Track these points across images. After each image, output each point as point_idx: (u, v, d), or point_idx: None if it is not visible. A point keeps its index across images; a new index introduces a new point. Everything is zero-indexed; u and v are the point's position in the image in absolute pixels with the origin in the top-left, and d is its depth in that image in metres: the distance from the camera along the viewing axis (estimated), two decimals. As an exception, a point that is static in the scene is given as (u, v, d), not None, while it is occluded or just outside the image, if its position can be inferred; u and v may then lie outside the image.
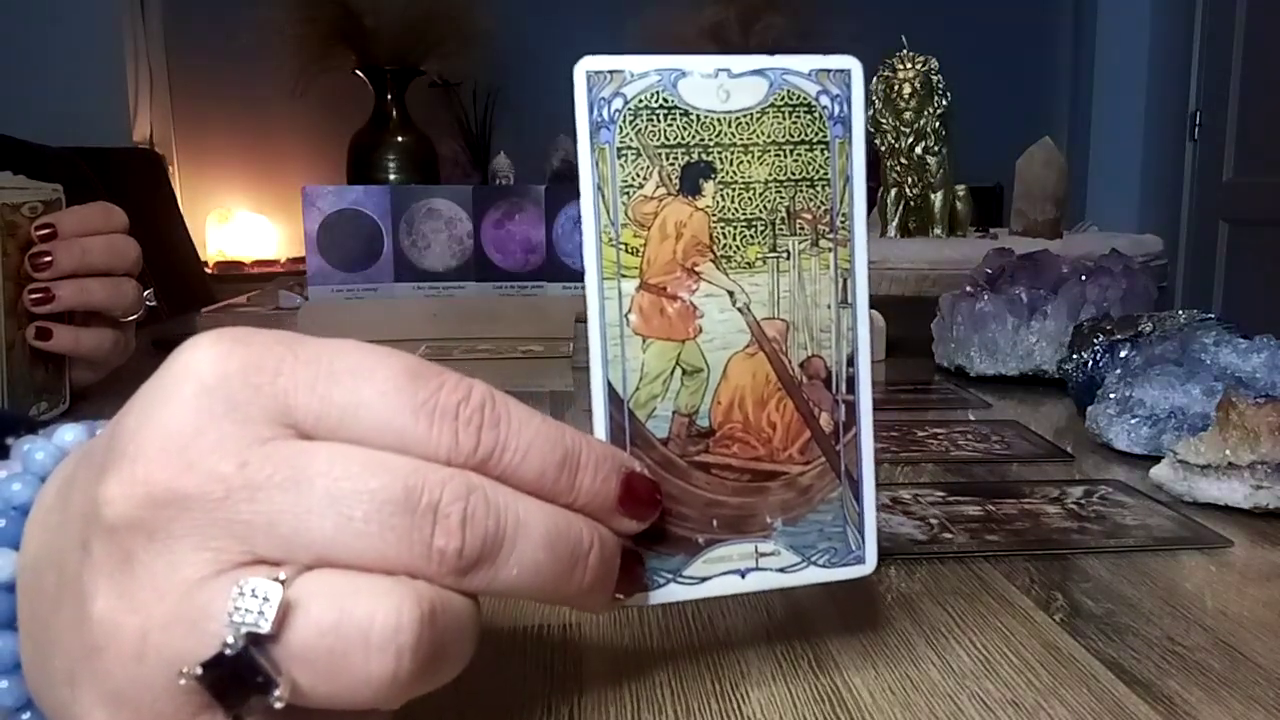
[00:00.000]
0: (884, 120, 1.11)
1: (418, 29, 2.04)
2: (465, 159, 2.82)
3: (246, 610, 0.20)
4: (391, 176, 1.97)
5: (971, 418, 0.65)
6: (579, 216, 1.02)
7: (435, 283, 1.03)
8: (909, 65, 1.14)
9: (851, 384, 0.30)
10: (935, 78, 1.14)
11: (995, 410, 0.67)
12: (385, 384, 0.22)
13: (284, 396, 0.22)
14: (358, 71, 2.04)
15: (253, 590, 0.20)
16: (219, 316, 1.08)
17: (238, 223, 3.04)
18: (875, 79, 1.12)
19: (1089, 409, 0.57)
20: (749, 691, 0.30)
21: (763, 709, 0.29)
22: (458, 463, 0.22)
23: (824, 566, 0.30)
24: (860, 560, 0.30)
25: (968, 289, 0.77)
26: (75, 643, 0.21)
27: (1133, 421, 0.54)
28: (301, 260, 1.44)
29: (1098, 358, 0.61)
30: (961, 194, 1.23)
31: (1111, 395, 0.56)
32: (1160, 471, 0.47)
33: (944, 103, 1.15)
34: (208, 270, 2.57)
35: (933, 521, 0.44)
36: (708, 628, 0.34)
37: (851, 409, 0.30)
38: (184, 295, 1.54)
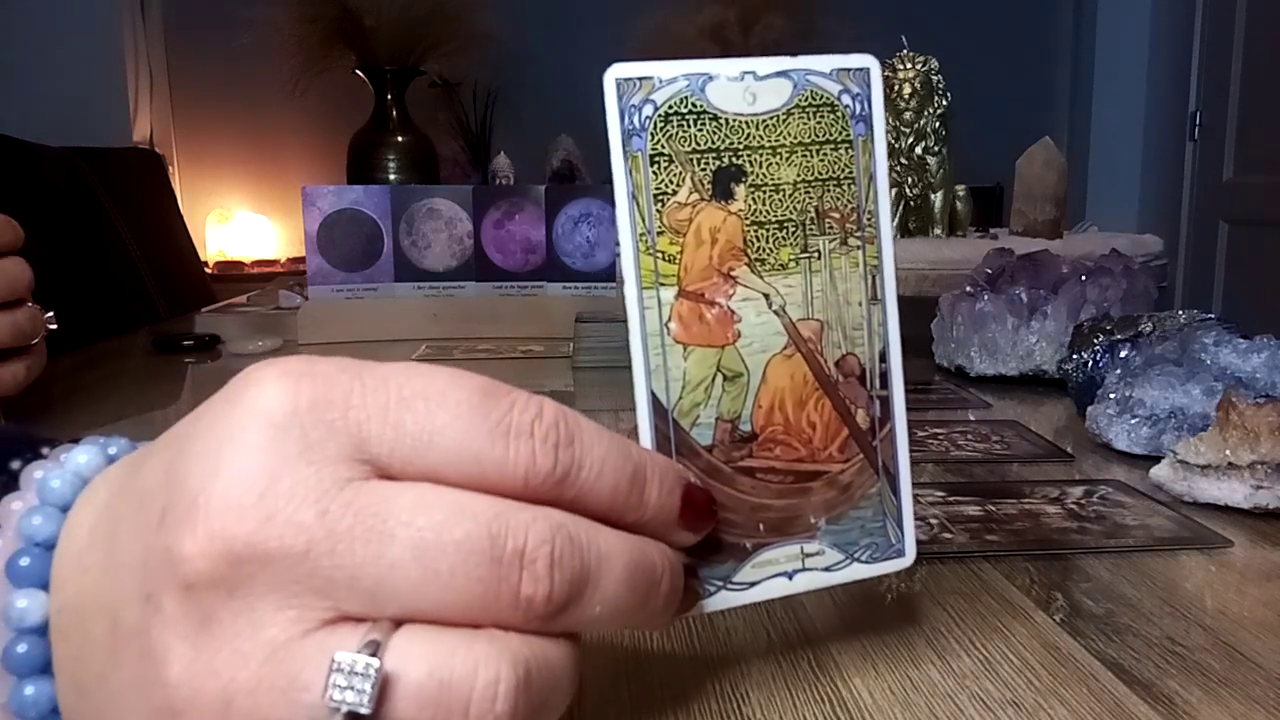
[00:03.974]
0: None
1: (418, 29, 2.04)
2: (465, 159, 2.82)
3: (346, 689, 0.19)
4: (391, 176, 1.97)
5: (971, 418, 0.65)
6: (579, 216, 1.02)
7: (435, 283, 1.03)
8: (909, 65, 1.14)
9: (884, 379, 0.30)
10: (935, 78, 1.14)
11: (995, 410, 0.67)
12: (458, 407, 0.22)
13: (357, 430, 0.21)
14: (358, 71, 2.04)
15: (350, 666, 0.19)
16: (219, 316, 1.08)
17: (238, 223, 3.04)
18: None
19: (1089, 409, 0.57)
20: (749, 692, 0.30)
21: (762, 709, 0.29)
22: (535, 482, 0.22)
23: (866, 562, 0.30)
24: (900, 553, 0.31)
25: (968, 289, 0.77)
26: (143, 702, 0.20)
27: (1133, 421, 0.54)
28: (301, 260, 1.44)
29: (1098, 358, 0.61)
30: (961, 194, 1.23)
31: (1111, 395, 0.56)
32: (1160, 471, 0.47)
33: (944, 103, 1.15)
34: (208, 270, 2.57)
35: (933, 522, 0.44)
36: (707, 628, 0.34)
37: (886, 404, 0.30)
38: (184, 295, 1.54)
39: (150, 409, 0.76)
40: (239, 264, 2.93)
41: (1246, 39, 2.67)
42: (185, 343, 0.97)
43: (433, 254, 1.02)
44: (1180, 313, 0.62)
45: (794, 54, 0.29)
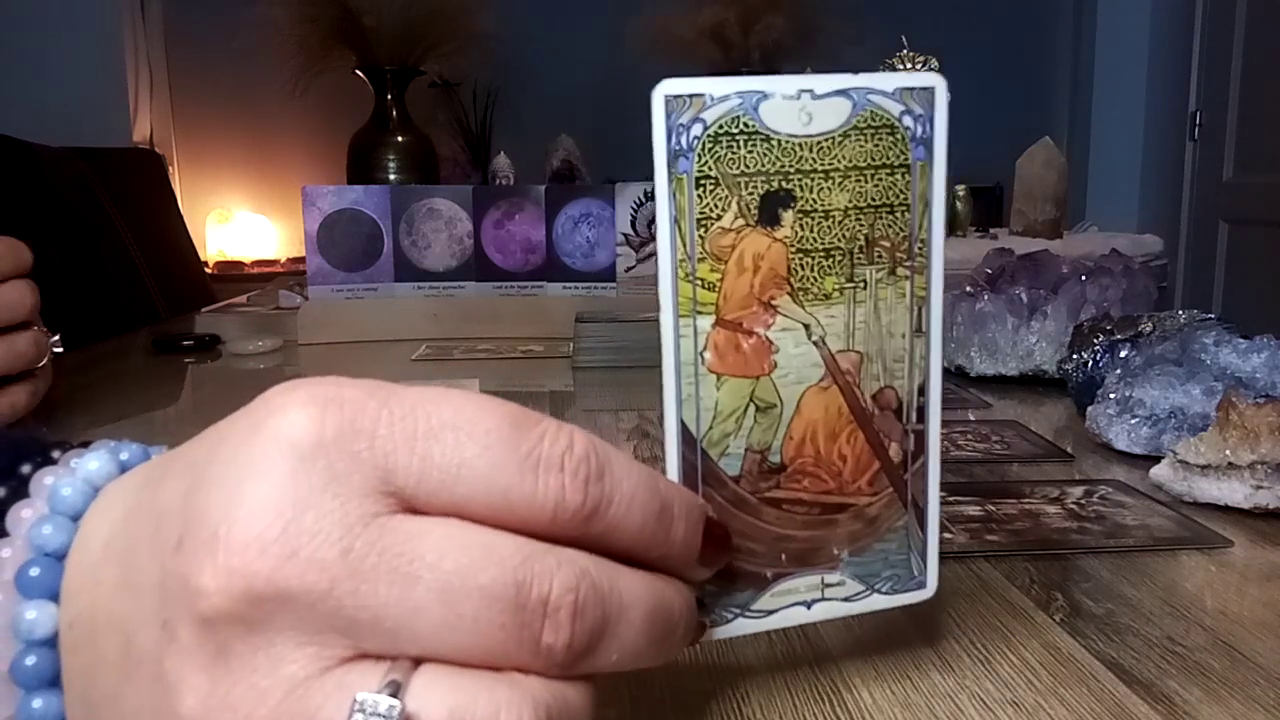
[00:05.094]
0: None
1: (418, 29, 2.03)
2: (465, 159, 2.82)
3: None
4: (391, 176, 1.97)
5: (971, 418, 0.65)
6: (579, 216, 1.01)
7: (435, 283, 1.03)
8: (909, 65, 1.14)
9: (921, 413, 0.29)
10: (935, 78, 1.14)
11: (995, 410, 0.67)
12: (487, 436, 0.21)
13: (384, 460, 0.21)
14: (358, 71, 2.04)
15: (373, 706, 0.19)
16: (219, 316, 1.08)
17: (238, 223, 3.04)
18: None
19: (1089, 409, 0.57)
20: (749, 692, 0.30)
21: (762, 709, 0.29)
22: (564, 518, 0.21)
23: (886, 594, 0.30)
24: (922, 585, 0.30)
25: (968, 289, 0.77)
26: None
27: (1133, 421, 0.54)
28: (301, 260, 1.44)
29: (1098, 358, 0.61)
30: (961, 194, 1.23)
31: (1111, 395, 0.56)
32: (1160, 471, 0.47)
33: (944, 103, 1.15)
34: (208, 270, 2.57)
35: (933, 521, 0.44)
36: (708, 628, 0.34)
37: (921, 438, 0.29)
38: (184, 295, 1.54)
39: (150, 409, 0.76)
40: (239, 264, 2.93)
41: (1246, 39, 2.67)
42: (185, 343, 0.97)
43: (433, 254, 1.02)
44: (1180, 313, 0.62)
45: (855, 71, 0.28)
